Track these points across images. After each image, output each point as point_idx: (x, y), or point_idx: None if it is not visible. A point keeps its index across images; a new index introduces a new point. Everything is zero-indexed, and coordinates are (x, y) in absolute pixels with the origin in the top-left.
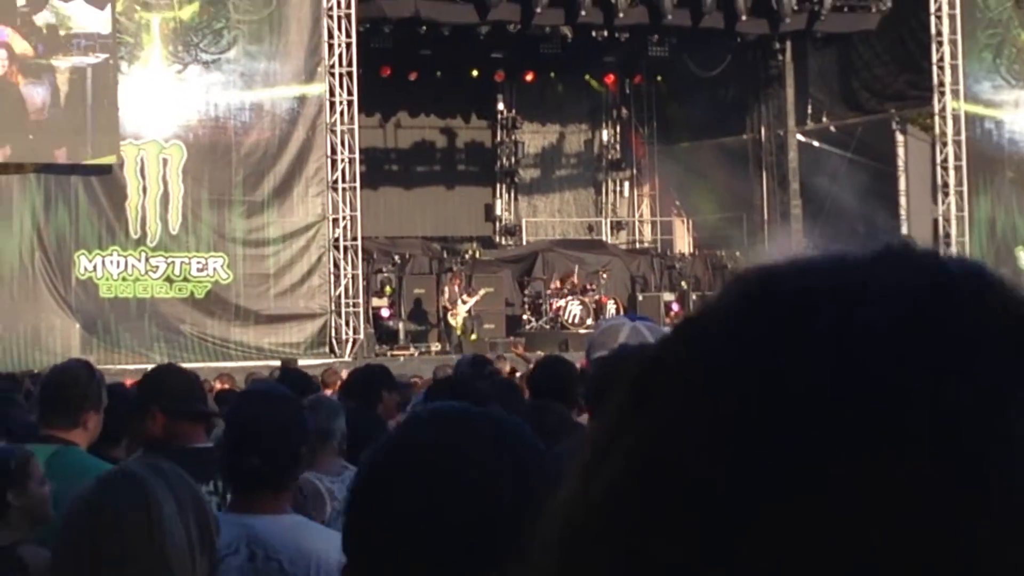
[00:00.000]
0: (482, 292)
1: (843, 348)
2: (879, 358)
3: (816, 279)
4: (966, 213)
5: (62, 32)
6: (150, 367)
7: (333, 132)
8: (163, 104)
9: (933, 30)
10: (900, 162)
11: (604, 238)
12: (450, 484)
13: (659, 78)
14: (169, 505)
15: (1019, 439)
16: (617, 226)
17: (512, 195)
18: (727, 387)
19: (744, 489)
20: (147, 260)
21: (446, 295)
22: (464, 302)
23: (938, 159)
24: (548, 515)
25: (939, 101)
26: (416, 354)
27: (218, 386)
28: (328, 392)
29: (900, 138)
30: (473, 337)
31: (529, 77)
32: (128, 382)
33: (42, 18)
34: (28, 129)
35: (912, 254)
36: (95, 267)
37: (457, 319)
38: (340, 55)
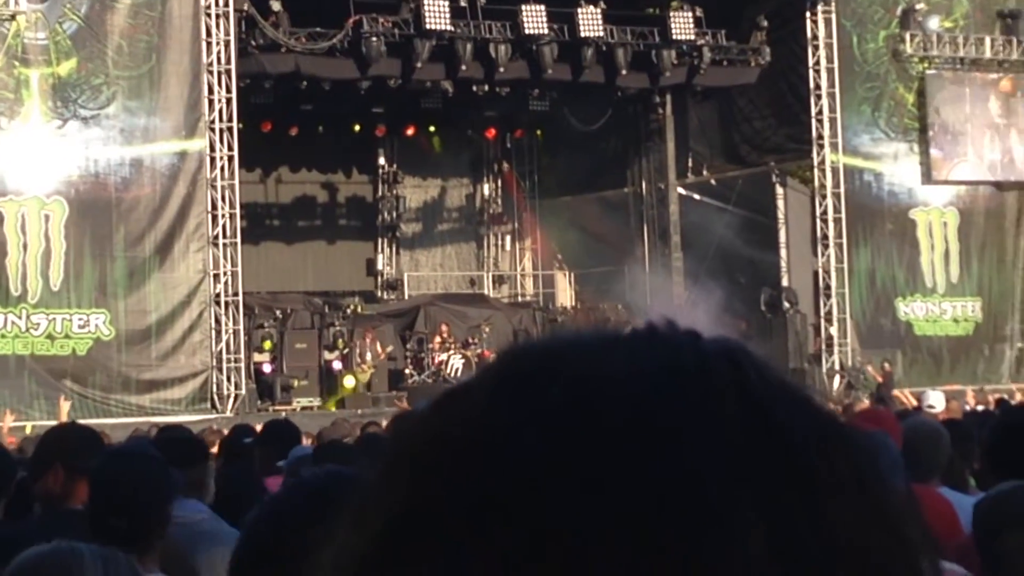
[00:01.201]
0: (389, 348)
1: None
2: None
3: (557, 363)
4: (845, 265)
5: None
6: (29, 425)
7: (214, 187)
8: (43, 160)
9: (812, 84)
10: (780, 214)
11: (486, 292)
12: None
13: (540, 132)
14: None
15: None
16: (499, 280)
17: (394, 249)
18: (445, 465)
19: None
20: (28, 317)
21: (357, 348)
22: (377, 357)
23: (818, 211)
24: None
25: (818, 154)
26: (298, 409)
27: None
28: (212, 451)
29: (780, 190)
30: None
31: (410, 132)
32: (10, 440)
33: None
34: None
35: (664, 338)
36: None
37: (365, 375)
38: (220, 110)
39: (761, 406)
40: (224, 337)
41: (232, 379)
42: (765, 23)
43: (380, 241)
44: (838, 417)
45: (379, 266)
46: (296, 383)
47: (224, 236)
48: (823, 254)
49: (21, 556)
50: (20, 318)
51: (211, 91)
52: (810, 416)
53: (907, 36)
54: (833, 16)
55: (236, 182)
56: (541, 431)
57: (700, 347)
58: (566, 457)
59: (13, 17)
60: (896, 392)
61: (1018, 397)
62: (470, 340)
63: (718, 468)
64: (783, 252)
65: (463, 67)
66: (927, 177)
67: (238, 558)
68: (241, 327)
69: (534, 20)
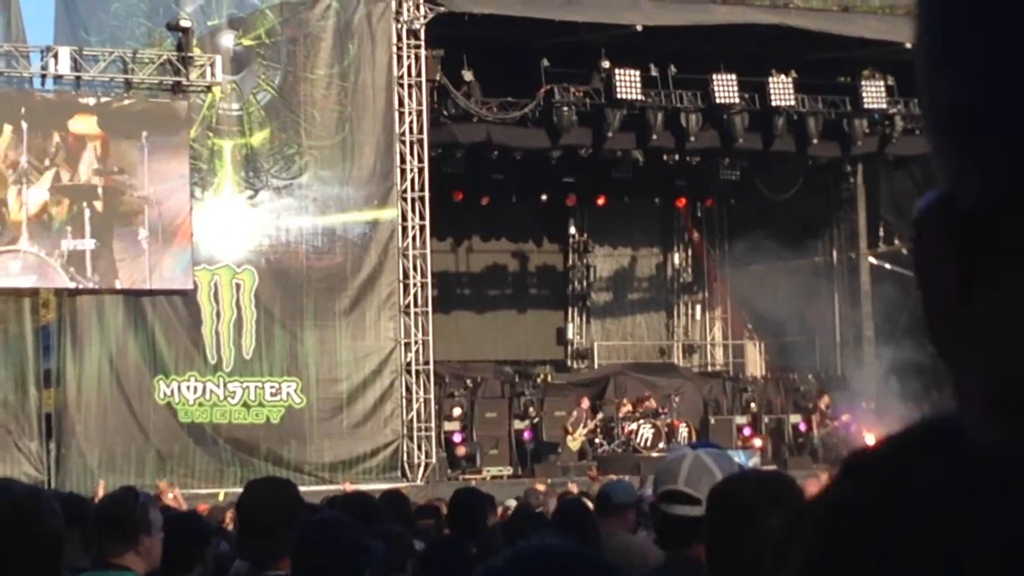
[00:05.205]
0: (599, 418)
1: None
2: None
3: None
4: None
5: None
6: (222, 492)
7: (405, 256)
8: (236, 230)
9: None
10: None
11: (676, 361)
12: None
13: (730, 201)
14: None
15: None
16: (689, 349)
17: (584, 318)
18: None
19: None
20: (224, 385)
21: (573, 417)
22: (586, 426)
23: None
24: None
25: None
26: (488, 478)
27: None
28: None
29: None
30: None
31: (600, 201)
32: (203, 507)
33: None
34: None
35: None
36: (173, 392)
37: (576, 442)
38: (412, 180)
39: None
40: (415, 406)
41: (423, 447)
42: None
43: (570, 310)
44: None
45: (569, 335)
46: (486, 452)
47: (415, 305)
48: None
49: None
50: (218, 387)
51: (403, 160)
52: None
53: None
54: None
55: (428, 251)
56: None
57: None
58: None
59: (209, 88)
60: None
61: None
62: (660, 410)
63: None
64: None
65: (654, 136)
66: None
67: None
68: (432, 396)
69: (725, 89)
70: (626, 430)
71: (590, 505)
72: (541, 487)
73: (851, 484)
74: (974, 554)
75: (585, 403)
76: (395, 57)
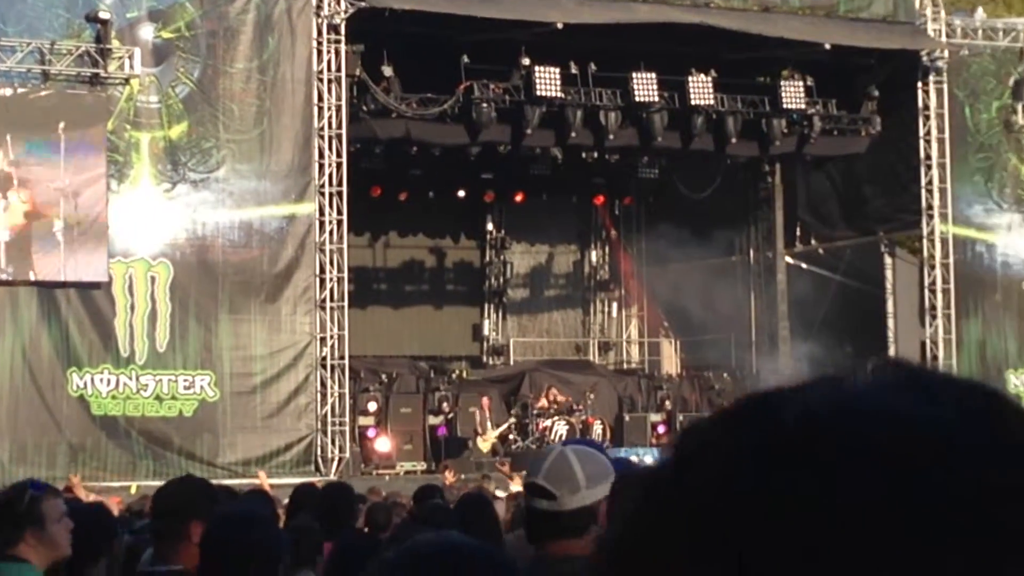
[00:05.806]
0: (511, 421)
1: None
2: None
3: (820, 407)
4: (953, 336)
5: None
6: (134, 485)
7: (322, 251)
8: (152, 222)
9: (922, 154)
10: (888, 284)
11: (592, 358)
12: None
13: (648, 199)
14: None
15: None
16: (605, 347)
17: (500, 315)
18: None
19: None
20: (137, 378)
21: (477, 419)
22: (495, 427)
23: (926, 281)
24: None
25: (927, 224)
26: (401, 473)
27: None
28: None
29: (888, 260)
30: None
31: (519, 198)
32: (115, 500)
33: None
34: None
35: (908, 382)
36: (86, 384)
37: (487, 444)
38: (331, 175)
39: None
40: (330, 400)
41: (336, 442)
42: (876, 93)
43: (487, 306)
44: None
45: (485, 331)
46: (400, 447)
47: (332, 300)
48: (931, 324)
49: None
50: (131, 379)
51: (322, 155)
52: None
53: (1019, 107)
54: (945, 86)
55: (344, 246)
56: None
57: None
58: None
59: (127, 81)
60: None
61: None
62: (575, 407)
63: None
64: (890, 322)
65: (573, 134)
66: None
67: None
68: (347, 390)
69: (645, 87)
70: (540, 426)
71: (504, 496)
72: (450, 479)
73: (670, 453)
74: (751, 523)
75: (487, 402)
76: (315, 52)
